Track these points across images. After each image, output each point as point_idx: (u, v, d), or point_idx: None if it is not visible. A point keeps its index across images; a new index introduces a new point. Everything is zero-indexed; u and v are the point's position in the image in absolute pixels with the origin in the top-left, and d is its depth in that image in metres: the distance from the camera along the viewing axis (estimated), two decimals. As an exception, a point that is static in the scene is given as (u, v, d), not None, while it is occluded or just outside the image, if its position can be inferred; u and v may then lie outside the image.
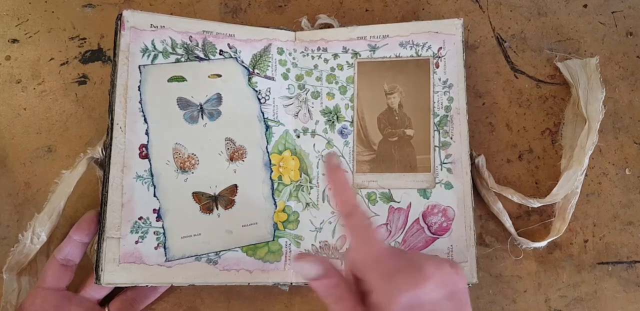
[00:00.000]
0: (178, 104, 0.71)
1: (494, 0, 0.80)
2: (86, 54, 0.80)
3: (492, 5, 0.80)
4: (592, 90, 0.75)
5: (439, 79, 0.75)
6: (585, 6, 0.80)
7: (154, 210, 0.69)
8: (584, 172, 0.73)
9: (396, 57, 0.76)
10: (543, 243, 0.72)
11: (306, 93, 0.77)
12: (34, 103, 0.79)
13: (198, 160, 0.71)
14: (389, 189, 0.74)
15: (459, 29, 0.76)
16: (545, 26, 0.80)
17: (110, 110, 0.69)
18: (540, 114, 0.77)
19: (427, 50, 0.76)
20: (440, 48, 0.76)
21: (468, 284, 0.69)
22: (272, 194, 0.73)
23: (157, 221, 0.69)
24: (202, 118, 0.72)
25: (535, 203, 0.73)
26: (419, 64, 0.76)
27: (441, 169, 0.73)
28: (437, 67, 0.75)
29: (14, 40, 0.80)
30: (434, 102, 0.75)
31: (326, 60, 0.77)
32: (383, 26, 0.77)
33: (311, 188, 0.74)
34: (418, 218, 0.73)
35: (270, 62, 0.76)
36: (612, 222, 0.74)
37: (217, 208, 0.71)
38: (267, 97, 0.75)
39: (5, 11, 0.81)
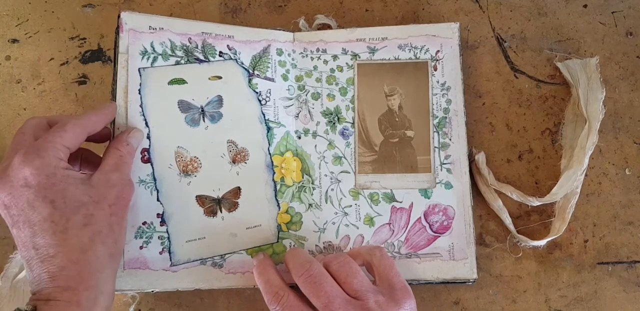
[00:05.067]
0: (179, 107, 0.71)
1: (494, 0, 0.80)
2: (86, 54, 0.80)
3: (492, 5, 0.80)
4: (592, 90, 0.75)
5: (437, 82, 0.76)
6: (585, 6, 0.80)
7: (158, 214, 0.69)
8: (584, 172, 0.74)
9: (395, 59, 0.76)
10: (542, 242, 0.73)
11: (306, 94, 0.77)
12: (34, 103, 0.79)
13: (200, 163, 0.71)
14: (391, 189, 0.74)
15: (456, 33, 0.76)
16: (545, 26, 0.80)
17: (112, 115, 0.69)
18: (540, 114, 0.78)
19: (425, 53, 0.76)
20: (438, 51, 0.76)
21: (468, 280, 0.71)
22: (275, 196, 0.73)
23: (161, 225, 0.69)
24: (204, 120, 0.72)
25: (535, 202, 0.73)
26: (417, 66, 0.76)
27: (441, 170, 0.74)
28: (435, 69, 0.76)
29: (14, 40, 0.80)
30: (433, 104, 0.75)
31: (326, 62, 0.77)
32: (382, 28, 0.77)
33: (314, 189, 0.74)
34: (420, 217, 0.73)
35: (269, 63, 0.76)
36: (612, 222, 0.75)
37: (221, 211, 0.71)
38: (267, 99, 0.75)
39: (5, 11, 0.81)
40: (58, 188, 0.56)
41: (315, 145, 0.76)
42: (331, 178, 0.75)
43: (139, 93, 0.70)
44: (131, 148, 0.65)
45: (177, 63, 0.72)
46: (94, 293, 0.55)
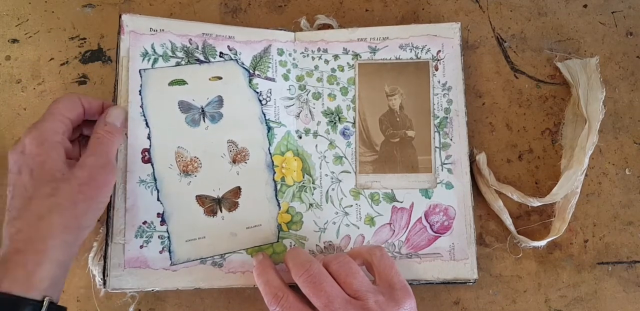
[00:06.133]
0: (179, 108, 0.71)
1: (494, 0, 0.81)
2: (86, 54, 0.80)
3: (492, 5, 0.80)
4: (592, 90, 0.76)
5: (439, 82, 0.76)
6: (585, 6, 0.80)
7: (158, 214, 0.69)
8: (584, 172, 0.74)
9: (396, 59, 0.76)
10: (542, 243, 0.73)
11: (307, 94, 0.77)
12: (34, 103, 0.78)
13: (201, 163, 0.71)
14: (391, 189, 0.74)
15: (457, 33, 0.76)
16: (545, 26, 0.80)
17: (113, 115, 0.69)
18: (540, 114, 0.78)
19: (426, 53, 0.76)
20: (439, 51, 0.76)
21: (468, 280, 0.72)
22: (276, 195, 0.74)
23: (161, 225, 0.69)
24: (204, 121, 0.72)
25: (535, 202, 0.73)
26: (418, 66, 0.76)
27: (442, 170, 0.74)
28: (437, 69, 0.76)
29: (14, 40, 0.80)
30: (434, 104, 0.75)
31: (327, 61, 0.77)
32: (383, 28, 0.77)
33: (314, 189, 0.74)
34: (420, 217, 0.74)
35: (270, 63, 0.76)
36: (612, 222, 0.75)
37: (221, 211, 0.71)
38: (268, 99, 0.75)
39: (5, 11, 0.81)
40: (40, 159, 0.61)
41: (316, 145, 0.76)
42: (332, 178, 0.75)
43: (140, 94, 0.70)
44: (111, 127, 0.67)
45: (178, 64, 0.72)
46: (40, 258, 0.57)
